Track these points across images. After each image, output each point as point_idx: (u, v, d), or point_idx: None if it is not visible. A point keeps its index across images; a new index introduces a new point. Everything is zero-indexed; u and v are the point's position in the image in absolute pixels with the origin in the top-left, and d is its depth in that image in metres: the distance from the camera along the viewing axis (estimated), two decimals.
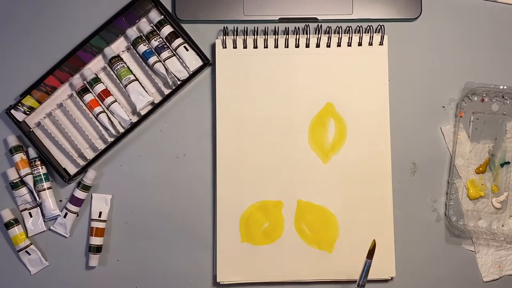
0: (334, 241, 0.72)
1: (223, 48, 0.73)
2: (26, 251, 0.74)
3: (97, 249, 0.73)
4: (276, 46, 0.73)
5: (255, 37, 0.73)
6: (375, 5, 0.74)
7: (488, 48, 0.76)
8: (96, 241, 0.73)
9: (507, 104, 0.74)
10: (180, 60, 0.73)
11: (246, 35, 0.73)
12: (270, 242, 0.73)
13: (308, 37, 0.73)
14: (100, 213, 0.74)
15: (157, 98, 0.74)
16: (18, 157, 0.73)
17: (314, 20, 0.75)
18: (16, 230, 0.73)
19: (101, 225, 0.74)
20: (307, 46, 0.73)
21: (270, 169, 0.73)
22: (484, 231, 0.73)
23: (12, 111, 0.73)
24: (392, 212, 0.72)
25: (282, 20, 0.74)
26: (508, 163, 0.74)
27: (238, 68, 0.73)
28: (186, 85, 0.74)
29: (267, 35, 0.73)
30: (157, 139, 0.75)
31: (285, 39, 0.73)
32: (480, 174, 0.74)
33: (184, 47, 0.73)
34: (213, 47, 0.75)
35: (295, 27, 0.73)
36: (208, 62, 0.73)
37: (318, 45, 0.73)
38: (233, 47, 0.73)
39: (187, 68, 0.73)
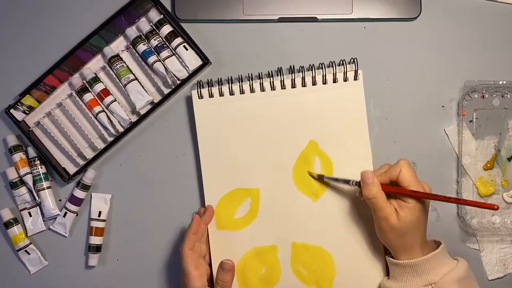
0: (332, 279, 0.71)
1: (199, 98, 0.72)
2: (26, 251, 0.74)
3: (97, 249, 0.73)
4: (252, 91, 0.72)
5: (230, 85, 0.72)
6: (375, 4, 0.74)
7: (487, 48, 0.75)
8: (95, 240, 0.73)
9: (507, 98, 0.74)
10: (180, 59, 0.73)
11: (221, 84, 0.72)
12: None
13: (282, 79, 0.72)
14: (100, 212, 0.74)
15: (157, 98, 0.74)
16: (18, 156, 0.73)
17: (314, 19, 0.74)
18: (16, 230, 0.73)
19: (100, 224, 0.74)
20: (283, 87, 0.72)
21: (260, 215, 0.72)
22: (499, 227, 0.73)
23: (12, 111, 0.73)
24: None
25: (281, 20, 0.74)
26: None
27: (216, 117, 0.72)
28: (186, 85, 0.74)
29: (241, 81, 0.72)
30: (157, 139, 0.75)
31: (260, 83, 0.72)
32: (488, 171, 0.74)
33: (184, 46, 0.73)
34: (189, 100, 0.74)
35: (268, 71, 0.72)
36: (208, 62, 0.73)
37: (293, 86, 0.72)
38: (209, 96, 0.72)
39: (186, 68, 0.73)
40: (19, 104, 0.73)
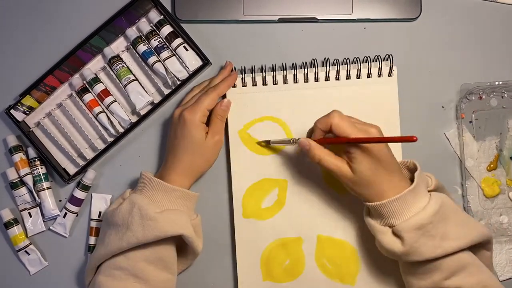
0: (356, 274, 0.71)
1: (232, 87, 0.73)
2: (26, 251, 0.74)
3: None
4: (285, 82, 0.73)
5: (264, 74, 0.73)
6: (375, 5, 0.74)
7: (487, 48, 0.75)
8: (95, 241, 0.73)
9: (505, 98, 0.74)
10: (180, 60, 0.73)
11: (255, 72, 0.73)
12: (292, 279, 0.72)
13: (316, 71, 0.72)
14: (100, 213, 0.74)
15: (157, 98, 0.74)
16: (18, 157, 0.73)
17: (314, 20, 0.75)
18: (16, 230, 0.73)
19: (100, 225, 0.74)
20: (316, 80, 0.73)
21: (286, 206, 0.72)
22: (507, 227, 0.73)
23: (12, 111, 0.73)
24: None
25: (281, 20, 0.74)
26: None
27: (249, 106, 0.73)
28: (186, 85, 0.74)
29: (275, 71, 0.73)
30: (157, 139, 0.75)
31: (294, 74, 0.73)
32: (492, 171, 0.74)
33: (184, 47, 0.73)
34: None
35: (302, 62, 0.73)
36: (208, 62, 0.73)
37: (327, 79, 0.73)
38: (242, 85, 0.73)
39: (186, 68, 0.73)
40: (19, 104, 0.73)
